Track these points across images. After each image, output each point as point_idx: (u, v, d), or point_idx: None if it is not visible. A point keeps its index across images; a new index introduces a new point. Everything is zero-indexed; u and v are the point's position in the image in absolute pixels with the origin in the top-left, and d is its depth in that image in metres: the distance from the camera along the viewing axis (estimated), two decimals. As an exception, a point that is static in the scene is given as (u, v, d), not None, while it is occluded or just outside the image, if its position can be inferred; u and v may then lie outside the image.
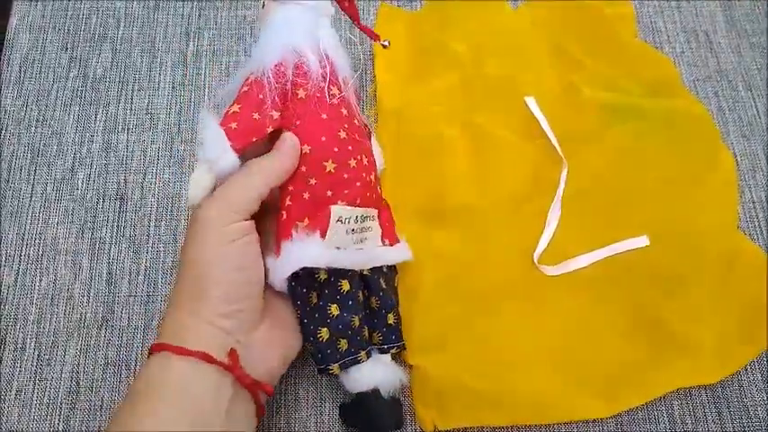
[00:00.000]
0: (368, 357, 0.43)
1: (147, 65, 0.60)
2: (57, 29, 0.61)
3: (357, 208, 0.43)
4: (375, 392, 0.43)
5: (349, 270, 0.43)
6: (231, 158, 0.41)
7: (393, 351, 0.45)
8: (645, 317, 0.48)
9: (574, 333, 0.48)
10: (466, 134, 0.54)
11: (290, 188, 0.42)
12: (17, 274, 0.52)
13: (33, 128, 0.57)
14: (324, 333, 0.42)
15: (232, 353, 0.38)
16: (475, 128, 0.54)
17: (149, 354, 0.38)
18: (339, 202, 0.42)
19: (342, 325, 0.42)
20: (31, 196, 0.54)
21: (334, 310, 0.42)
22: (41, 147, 0.56)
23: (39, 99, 0.58)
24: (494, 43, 0.58)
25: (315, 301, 0.42)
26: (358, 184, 0.43)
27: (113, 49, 0.60)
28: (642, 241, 0.50)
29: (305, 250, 0.41)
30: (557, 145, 0.53)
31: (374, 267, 0.45)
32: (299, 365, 0.49)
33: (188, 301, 0.39)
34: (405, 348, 0.46)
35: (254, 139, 0.42)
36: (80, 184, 0.55)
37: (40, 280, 0.52)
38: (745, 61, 0.60)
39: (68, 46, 0.60)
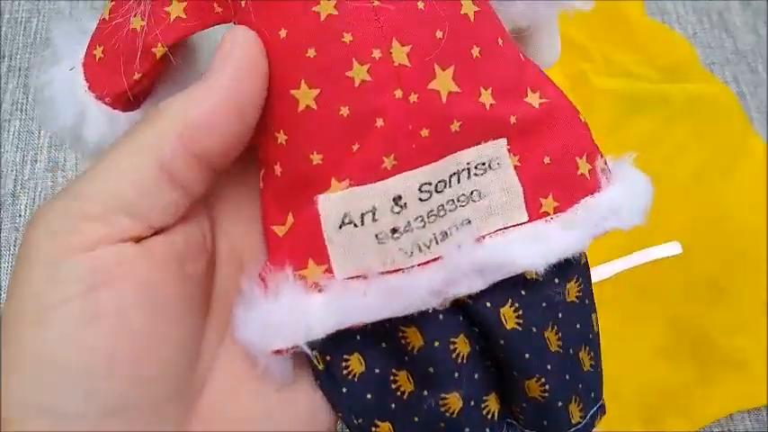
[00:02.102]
0: None
1: (97, 72, 0.53)
2: (-9, 35, 0.54)
3: (401, 177, 0.20)
4: None
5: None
6: (97, 121, 0.23)
7: None
8: (684, 331, 0.44)
9: (604, 355, 0.42)
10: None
11: (260, 154, 0.23)
12: (-50, 318, 0.44)
13: (-33, 148, 0.50)
14: (384, 429, 0.22)
15: None
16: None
17: None
18: (334, 179, 0.20)
19: (421, 416, 0.21)
20: (-34, 227, 0.47)
21: (402, 381, 0.22)
22: (-24, 169, 0.49)
23: (-28, 115, 0.51)
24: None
25: (357, 370, 0.22)
26: (380, 123, 0.20)
27: (58, 56, 0.53)
28: (674, 248, 0.45)
29: (271, 318, 0.20)
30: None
31: (492, 287, 0.21)
32: None
33: None
34: None
35: (138, 73, 0.22)
36: (23, 211, 0.49)
37: (-22, 324, 0.44)
38: (765, 41, 0.56)
39: (5, 54, 0.54)
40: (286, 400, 0.22)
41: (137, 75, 0.22)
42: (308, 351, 0.20)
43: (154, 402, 0.19)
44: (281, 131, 0.21)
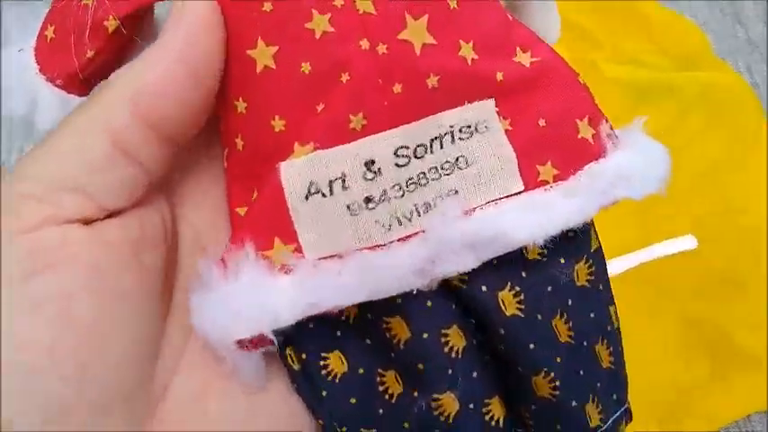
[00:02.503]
0: None
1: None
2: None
3: (372, 138, 0.18)
4: None
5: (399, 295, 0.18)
6: (50, 106, 0.21)
7: None
8: (699, 328, 0.42)
9: None
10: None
11: (222, 130, 0.20)
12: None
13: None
14: None
15: None
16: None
17: None
18: (297, 143, 0.18)
19: (412, 421, 0.19)
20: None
21: (390, 382, 0.19)
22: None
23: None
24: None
25: (338, 370, 0.19)
26: (346, 77, 0.18)
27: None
28: (689, 242, 0.44)
29: (231, 301, 0.18)
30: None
31: (487, 269, 0.18)
32: None
33: None
34: None
35: (91, 50, 0.20)
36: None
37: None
38: (779, 30, 0.54)
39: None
40: (260, 404, 0.19)
41: (89, 53, 0.20)
42: (275, 339, 0.18)
43: (102, 407, 0.17)
44: (240, 99, 0.19)
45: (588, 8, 0.51)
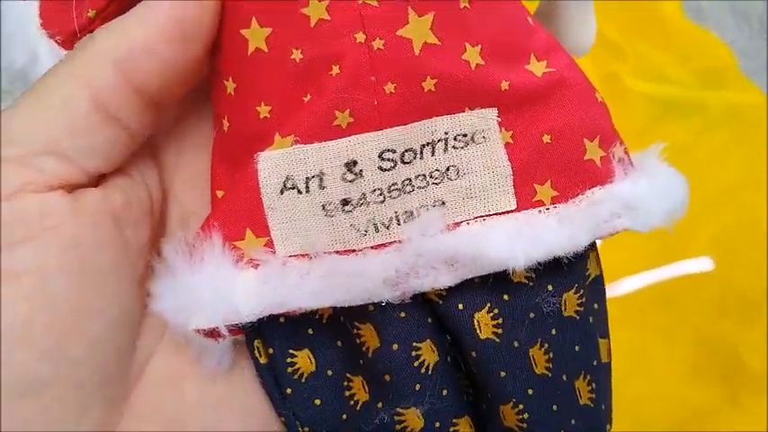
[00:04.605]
0: None
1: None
2: None
3: (357, 138, 0.17)
4: None
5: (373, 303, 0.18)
6: (49, 64, 0.19)
7: None
8: (714, 350, 0.42)
9: (629, 373, 0.41)
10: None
11: (214, 104, 0.19)
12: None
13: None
14: None
15: None
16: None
17: None
18: (277, 134, 0.17)
19: (373, 430, 0.18)
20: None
21: (357, 388, 0.19)
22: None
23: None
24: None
25: (306, 369, 0.19)
26: (336, 71, 0.17)
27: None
28: (704, 264, 0.43)
29: (190, 291, 0.17)
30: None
31: (468, 287, 0.18)
32: None
33: None
34: None
35: (92, 10, 0.18)
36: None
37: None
38: (808, 50, 0.53)
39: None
40: (236, 394, 0.19)
41: (90, 12, 0.18)
42: (226, 334, 0.17)
43: (79, 385, 0.16)
44: (230, 79, 0.18)
45: (615, 19, 0.51)
